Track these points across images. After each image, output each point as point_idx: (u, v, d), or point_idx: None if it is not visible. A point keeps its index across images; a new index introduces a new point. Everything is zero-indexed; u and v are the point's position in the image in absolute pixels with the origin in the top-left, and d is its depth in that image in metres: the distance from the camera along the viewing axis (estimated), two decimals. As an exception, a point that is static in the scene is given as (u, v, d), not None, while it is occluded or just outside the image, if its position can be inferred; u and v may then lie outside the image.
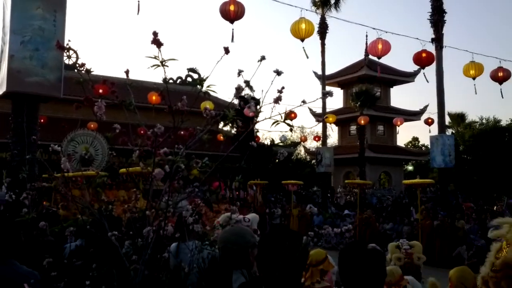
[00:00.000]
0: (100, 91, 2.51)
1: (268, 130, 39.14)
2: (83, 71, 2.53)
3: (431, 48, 17.98)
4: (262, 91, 2.41)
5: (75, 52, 26.41)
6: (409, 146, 49.62)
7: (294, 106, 2.59)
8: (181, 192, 2.53)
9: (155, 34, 2.32)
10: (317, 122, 36.05)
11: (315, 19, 28.03)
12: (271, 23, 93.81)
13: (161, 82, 2.56)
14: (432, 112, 27.38)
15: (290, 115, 2.51)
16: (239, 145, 3.13)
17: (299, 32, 14.91)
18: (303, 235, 2.26)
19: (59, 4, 9.31)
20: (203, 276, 2.55)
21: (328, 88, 29.90)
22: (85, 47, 71.88)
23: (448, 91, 41.33)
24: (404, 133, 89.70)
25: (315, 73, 33.95)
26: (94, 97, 2.43)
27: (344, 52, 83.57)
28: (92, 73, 2.64)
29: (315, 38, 26.41)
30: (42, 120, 16.12)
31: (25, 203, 2.74)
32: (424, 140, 53.94)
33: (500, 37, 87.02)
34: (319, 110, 32.47)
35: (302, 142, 36.11)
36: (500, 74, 17.64)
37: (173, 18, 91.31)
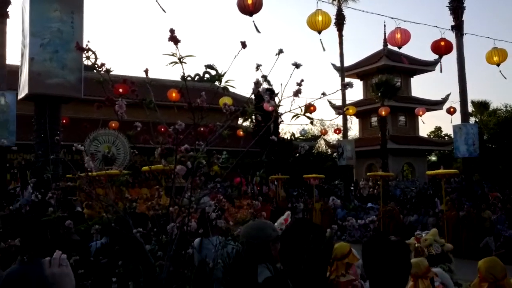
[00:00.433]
0: (120, 90, 2.53)
1: (288, 124, 38.97)
2: (102, 71, 2.54)
3: (451, 36, 17.69)
4: (281, 84, 2.39)
5: (93, 53, 26.72)
6: (431, 136, 48.92)
7: (313, 99, 2.57)
8: (203, 188, 2.54)
9: (172, 31, 2.33)
10: (337, 115, 35.80)
11: (331, 11, 27.78)
12: (286, 17, 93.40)
13: (179, 79, 2.57)
14: (454, 101, 26.97)
15: (309, 108, 2.49)
16: (259, 140, 3.13)
17: (316, 24, 14.77)
18: (325, 228, 2.25)
19: (76, 6, 9.41)
20: (228, 271, 2.55)
21: (347, 80, 29.57)
22: (103, 47, 72.76)
23: (470, 79, 40.59)
24: (427, 123, 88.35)
25: (333, 65, 33.72)
26: (115, 97, 2.45)
27: (362, 43, 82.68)
28: (111, 72, 2.65)
29: (332, 30, 26.26)
30: (64, 121, 16.38)
31: (51, 202, 2.79)
32: (447, 130, 53.00)
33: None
34: (338, 103, 32.27)
35: (322, 135, 35.89)
36: (525, 59, 17.23)
37: (188, 15, 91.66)
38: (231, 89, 2.63)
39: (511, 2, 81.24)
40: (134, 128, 2.47)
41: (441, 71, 17.06)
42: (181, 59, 2.35)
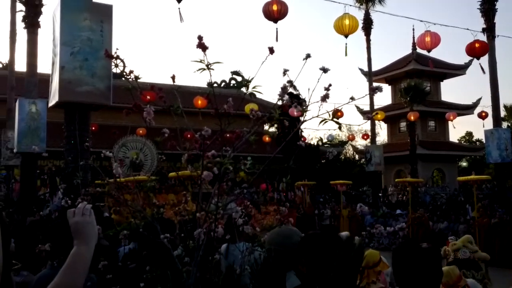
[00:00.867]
0: (148, 97, 2.55)
1: (315, 129, 38.79)
2: (131, 79, 2.57)
3: (482, 39, 17.31)
4: (309, 89, 2.37)
5: (122, 60, 27.15)
6: (462, 142, 47.92)
7: (341, 104, 2.54)
8: (230, 194, 2.53)
9: (200, 38, 2.33)
10: (365, 120, 35.44)
11: (358, 15, 27.61)
12: (312, 22, 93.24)
13: (206, 86, 2.58)
14: (486, 105, 26.37)
15: (337, 113, 2.47)
16: (285, 145, 3.11)
17: (343, 28, 14.69)
18: (353, 235, 2.21)
19: (105, 15, 9.61)
20: (256, 277, 2.54)
21: (375, 84, 29.32)
22: (131, 55, 73.96)
23: (502, 83, 39.69)
24: (457, 128, 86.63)
25: (361, 70, 33.43)
26: (143, 103, 2.47)
27: (390, 47, 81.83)
28: (139, 80, 2.68)
29: (360, 34, 26.07)
30: (93, 128, 16.72)
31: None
32: (478, 135, 51.85)
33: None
34: (366, 108, 31.96)
35: (350, 141, 35.57)
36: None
37: (213, 21, 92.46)
38: (258, 95, 2.63)
39: (544, 3, 79.13)
40: (162, 134, 2.49)
41: (483, 72, 16.58)
42: (209, 66, 2.36)
